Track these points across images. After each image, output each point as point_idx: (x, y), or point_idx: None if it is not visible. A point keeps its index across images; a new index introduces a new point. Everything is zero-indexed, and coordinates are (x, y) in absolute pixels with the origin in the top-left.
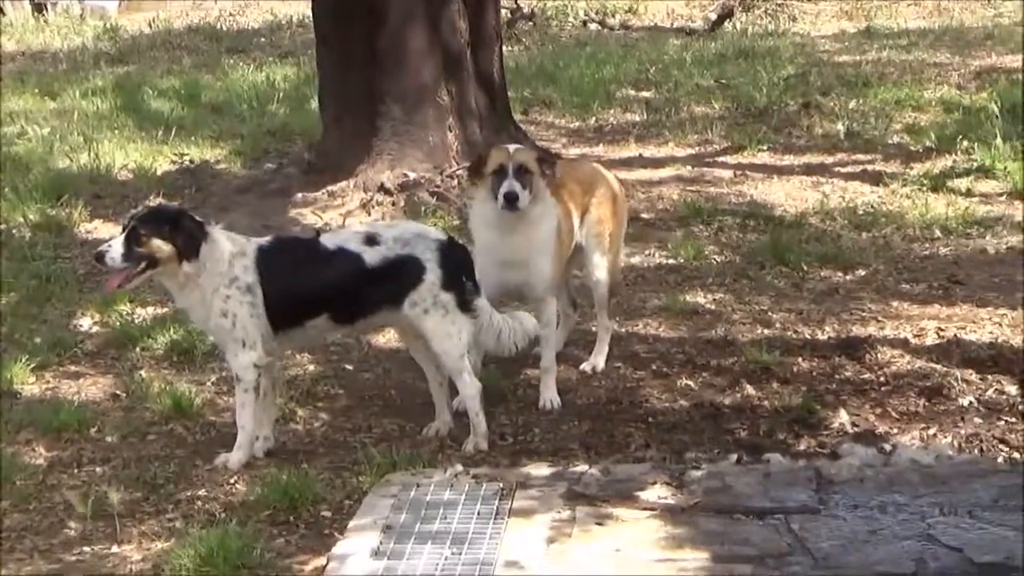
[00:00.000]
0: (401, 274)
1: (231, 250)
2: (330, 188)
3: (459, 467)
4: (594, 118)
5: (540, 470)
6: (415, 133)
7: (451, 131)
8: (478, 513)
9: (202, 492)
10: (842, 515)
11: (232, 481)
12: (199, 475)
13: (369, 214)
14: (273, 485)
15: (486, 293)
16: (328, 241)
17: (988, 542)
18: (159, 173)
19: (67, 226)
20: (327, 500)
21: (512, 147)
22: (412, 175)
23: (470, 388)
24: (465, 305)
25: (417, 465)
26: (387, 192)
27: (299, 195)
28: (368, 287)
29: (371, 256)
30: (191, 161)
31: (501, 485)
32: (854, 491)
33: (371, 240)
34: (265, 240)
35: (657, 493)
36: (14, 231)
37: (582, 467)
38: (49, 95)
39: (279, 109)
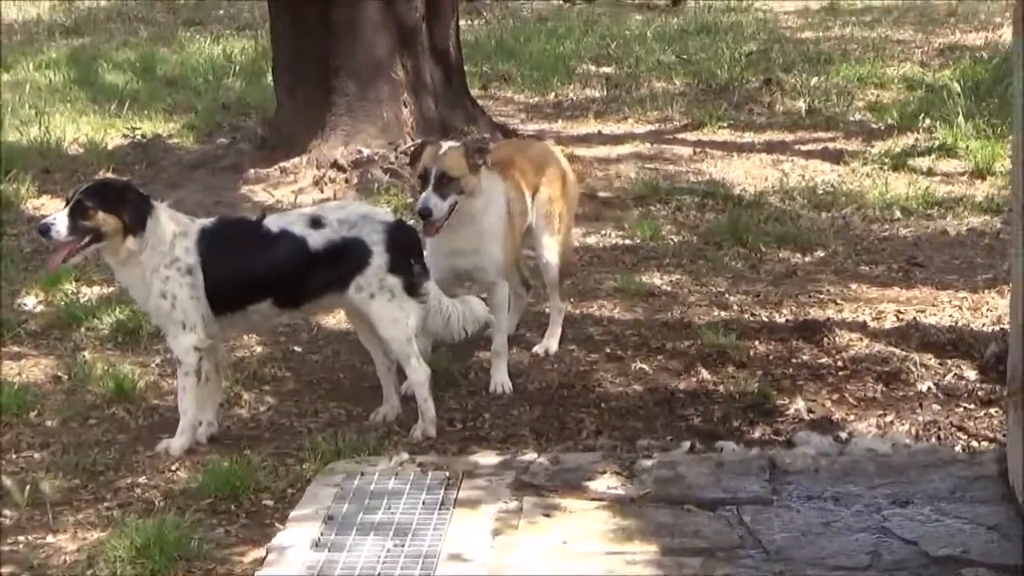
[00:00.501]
0: (346, 258)
1: (174, 229)
2: (283, 164)
3: (404, 455)
4: (553, 93)
5: (488, 459)
6: (369, 108)
7: (406, 107)
8: (423, 503)
9: (142, 480)
10: (795, 506)
11: (173, 468)
12: (140, 462)
13: (322, 191)
14: (215, 473)
15: (437, 278)
16: (272, 224)
17: (943, 535)
18: (110, 147)
19: (14, 202)
20: (270, 489)
21: (444, 146)
22: (366, 151)
23: (419, 374)
24: (412, 289)
25: (362, 452)
26: (340, 169)
27: (251, 171)
28: (312, 271)
29: (315, 239)
30: (143, 136)
31: (447, 474)
32: (808, 481)
33: (316, 222)
34: (209, 221)
35: (607, 483)
36: None
37: (531, 455)
38: (2, 67)
39: (235, 83)
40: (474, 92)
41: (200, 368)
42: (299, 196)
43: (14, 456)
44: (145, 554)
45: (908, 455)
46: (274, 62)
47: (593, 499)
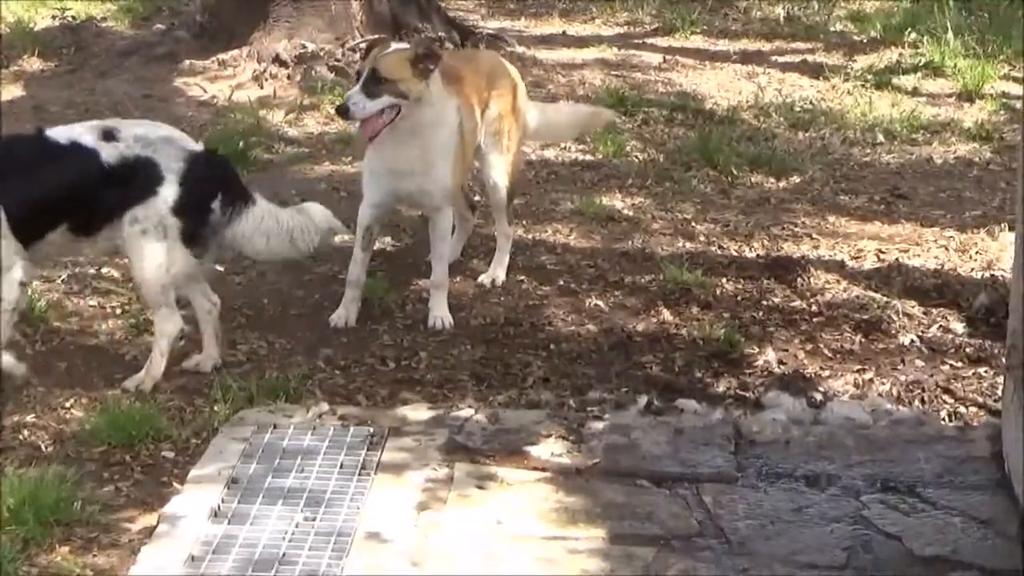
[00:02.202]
0: (134, 180)
1: None
2: (221, 56)
3: (324, 406)
4: None
5: (418, 412)
6: (316, 0)
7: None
8: (341, 465)
9: (30, 418)
10: (763, 487)
11: (67, 406)
12: (32, 396)
13: (261, 87)
14: (111, 416)
15: (375, 202)
16: (59, 135)
17: (930, 529)
18: (38, 29)
19: None
20: (171, 438)
21: (391, 47)
22: (311, 46)
23: (168, 324)
24: (194, 238)
25: (279, 397)
26: (282, 64)
27: (187, 62)
28: (106, 190)
29: (109, 153)
30: (73, 17)
31: (371, 431)
32: (778, 456)
33: (108, 135)
34: None
35: (551, 449)
36: None
37: (467, 411)
38: None
39: None
40: None
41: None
42: (236, 92)
43: None
44: (17, 518)
45: (890, 427)
46: None
47: (535, 468)
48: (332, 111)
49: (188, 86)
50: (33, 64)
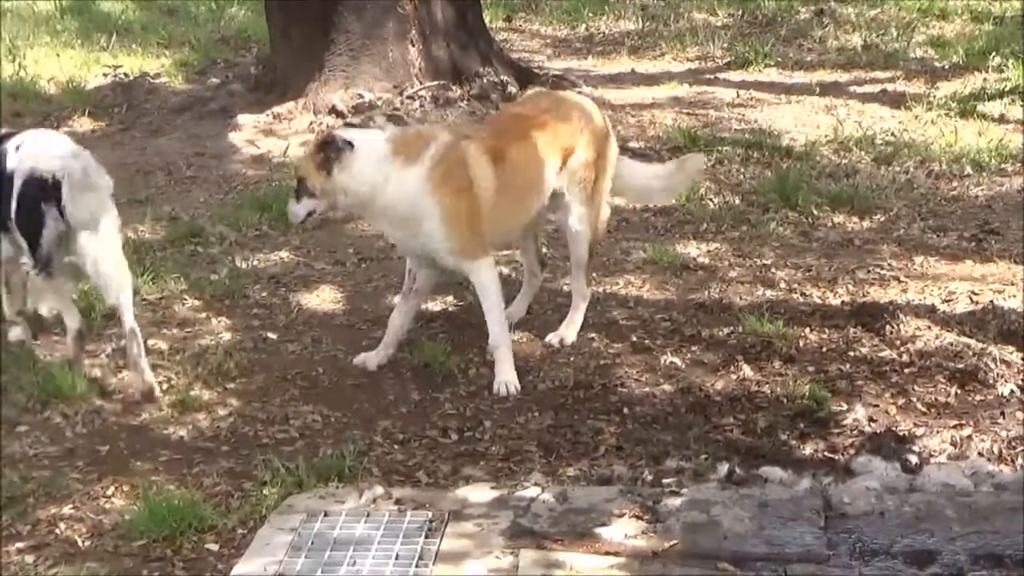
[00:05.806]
0: None
1: None
2: (275, 109)
3: (379, 489)
4: (584, 26)
5: (481, 493)
6: (373, 48)
7: (414, 46)
8: (396, 556)
9: (68, 510)
10: (856, 566)
11: (108, 493)
12: (68, 484)
13: None
14: (152, 505)
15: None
16: None
17: None
18: (89, 88)
19: None
20: (216, 528)
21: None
22: (368, 96)
23: None
24: None
25: (332, 479)
26: (339, 115)
27: (240, 116)
28: None
29: None
30: (124, 74)
31: (429, 516)
32: (872, 530)
33: None
34: None
35: (624, 530)
36: None
37: (533, 490)
38: None
39: (239, 12)
40: (498, 24)
41: None
42: (292, 146)
43: None
44: None
45: (993, 492)
46: None
47: (607, 553)
48: None
49: (243, 142)
50: (84, 124)
